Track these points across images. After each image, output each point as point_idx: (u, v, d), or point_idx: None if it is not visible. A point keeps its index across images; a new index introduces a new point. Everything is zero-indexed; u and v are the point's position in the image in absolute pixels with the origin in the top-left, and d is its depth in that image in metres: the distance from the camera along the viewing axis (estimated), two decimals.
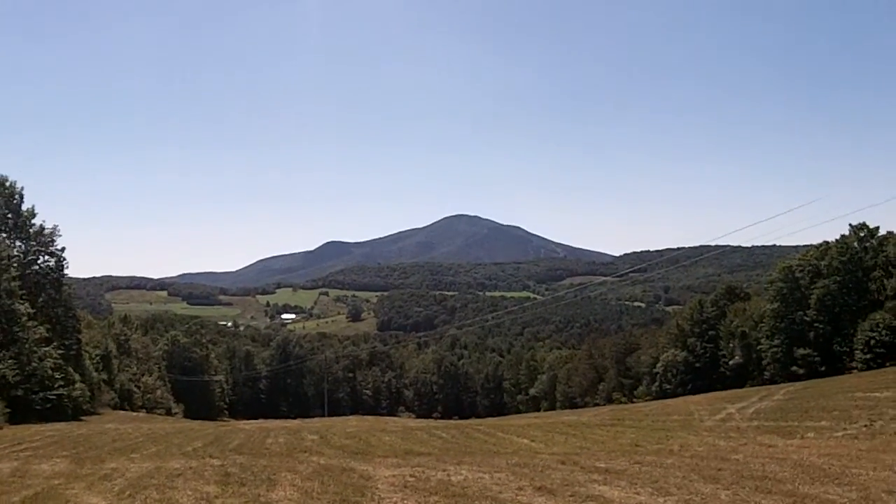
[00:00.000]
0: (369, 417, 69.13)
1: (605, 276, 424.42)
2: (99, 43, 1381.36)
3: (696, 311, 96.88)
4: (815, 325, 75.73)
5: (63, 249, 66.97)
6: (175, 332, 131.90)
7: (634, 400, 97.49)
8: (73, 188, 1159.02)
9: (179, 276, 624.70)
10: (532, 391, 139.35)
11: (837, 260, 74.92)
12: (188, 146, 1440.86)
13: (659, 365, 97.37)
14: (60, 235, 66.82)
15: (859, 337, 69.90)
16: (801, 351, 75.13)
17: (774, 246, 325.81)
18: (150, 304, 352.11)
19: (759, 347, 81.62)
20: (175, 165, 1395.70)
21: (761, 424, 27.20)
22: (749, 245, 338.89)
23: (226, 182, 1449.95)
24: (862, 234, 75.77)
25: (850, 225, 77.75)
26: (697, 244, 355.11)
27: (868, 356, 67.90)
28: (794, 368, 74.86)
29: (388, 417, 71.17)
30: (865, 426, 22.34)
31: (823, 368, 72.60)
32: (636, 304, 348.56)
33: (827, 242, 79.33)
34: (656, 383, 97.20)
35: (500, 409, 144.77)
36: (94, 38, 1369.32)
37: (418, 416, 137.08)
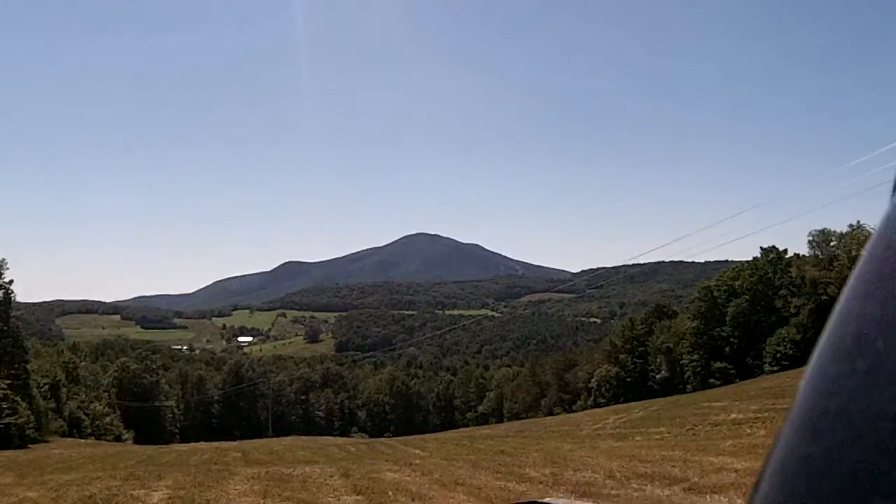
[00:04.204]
0: (305, 437, 72.82)
1: (563, 292, 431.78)
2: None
3: (627, 329, 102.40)
4: (731, 340, 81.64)
5: (11, 282, 70.03)
6: (125, 359, 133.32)
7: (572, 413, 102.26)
8: (24, 208, 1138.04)
9: (133, 298, 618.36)
10: (480, 408, 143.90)
11: (749, 280, 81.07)
12: (141, 166, 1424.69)
13: (594, 380, 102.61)
14: (8, 268, 69.99)
15: (768, 350, 76.25)
16: (718, 364, 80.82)
17: (727, 261, 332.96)
18: (103, 328, 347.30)
19: (682, 362, 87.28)
20: (130, 186, 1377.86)
21: (619, 431, 31.71)
22: (703, 261, 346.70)
23: (182, 202, 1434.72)
24: (771, 257, 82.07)
25: (760, 248, 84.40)
26: (654, 260, 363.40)
27: (775, 368, 74.01)
28: (712, 380, 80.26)
29: (324, 437, 74.89)
30: (688, 429, 26.89)
31: (737, 381, 78.21)
32: (592, 320, 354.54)
33: (742, 264, 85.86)
34: (591, 398, 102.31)
35: (451, 426, 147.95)
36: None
37: (371, 436, 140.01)
